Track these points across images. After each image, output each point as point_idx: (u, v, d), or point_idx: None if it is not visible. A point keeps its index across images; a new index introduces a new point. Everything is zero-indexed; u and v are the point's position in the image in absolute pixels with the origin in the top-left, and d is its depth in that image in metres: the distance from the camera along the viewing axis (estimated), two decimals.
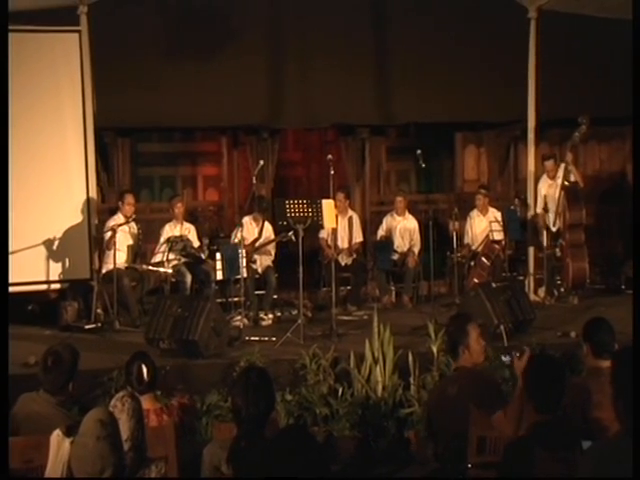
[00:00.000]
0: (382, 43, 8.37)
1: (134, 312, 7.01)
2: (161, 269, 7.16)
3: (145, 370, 3.75)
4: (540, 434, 2.99)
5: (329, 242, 7.64)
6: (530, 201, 7.89)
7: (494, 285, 6.54)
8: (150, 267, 7.21)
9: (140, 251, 7.32)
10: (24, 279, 6.88)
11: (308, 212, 6.48)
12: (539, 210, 7.78)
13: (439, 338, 5.49)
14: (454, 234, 7.75)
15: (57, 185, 7.15)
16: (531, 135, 7.80)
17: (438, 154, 9.19)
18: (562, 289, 7.66)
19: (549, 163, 7.71)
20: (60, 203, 7.16)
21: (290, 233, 7.03)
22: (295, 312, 7.11)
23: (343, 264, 7.79)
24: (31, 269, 6.99)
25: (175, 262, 7.31)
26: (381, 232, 8.19)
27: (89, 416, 2.65)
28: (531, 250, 7.82)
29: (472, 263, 7.82)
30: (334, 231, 7.42)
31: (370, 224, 8.77)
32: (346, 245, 7.90)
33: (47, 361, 3.64)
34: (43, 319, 7.13)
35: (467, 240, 8.08)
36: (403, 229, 8.06)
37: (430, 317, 6.17)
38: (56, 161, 7.14)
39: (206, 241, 7.60)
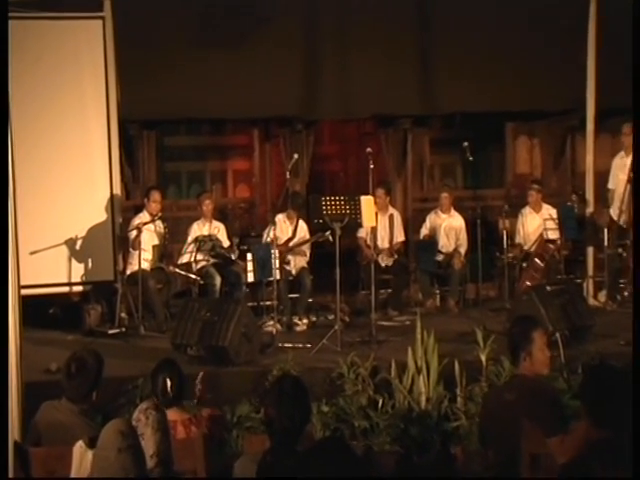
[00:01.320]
0: (426, 28, 8.28)
1: (160, 316, 7.09)
2: (191, 276, 7.22)
3: (169, 383, 3.76)
4: (600, 452, 2.93)
5: (368, 242, 7.62)
6: (589, 197, 7.74)
7: (548, 288, 6.43)
8: (177, 269, 7.28)
9: (166, 251, 7.40)
10: (45, 281, 7.01)
11: (346, 209, 6.48)
12: (610, 186, 7.54)
13: (488, 346, 5.45)
14: (504, 233, 7.65)
15: (79, 181, 7.25)
16: (590, 125, 7.62)
17: (487, 146, 9.08)
18: (626, 293, 7.47)
19: (627, 127, 7.13)
20: (82, 200, 7.27)
21: (327, 232, 7.04)
22: (332, 317, 7.13)
23: (383, 265, 7.78)
24: (52, 270, 7.12)
25: (203, 263, 7.36)
26: (424, 231, 8.15)
27: (108, 428, 2.68)
28: (590, 250, 7.67)
29: (524, 264, 7.73)
30: (374, 230, 7.40)
31: (412, 222, 8.73)
32: (386, 245, 7.88)
33: (71, 367, 3.68)
34: (65, 323, 7.26)
35: (518, 239, 7.95)
36: (448, 227, 8.00)
37: (478, 323, 6.11)
38: (78, 155, 7.24)
39: (236, 241, 7.64)
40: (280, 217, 7.53)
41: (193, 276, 7.18)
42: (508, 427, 3.47)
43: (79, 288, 7.36)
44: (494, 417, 3.67)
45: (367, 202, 6.59)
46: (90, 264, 7.31)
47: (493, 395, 4.01)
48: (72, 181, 7.20)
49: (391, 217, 7.93)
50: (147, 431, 2.86)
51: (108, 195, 7.33)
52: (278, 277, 6.91)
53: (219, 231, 7.57)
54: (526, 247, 7.87)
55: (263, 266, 6.91)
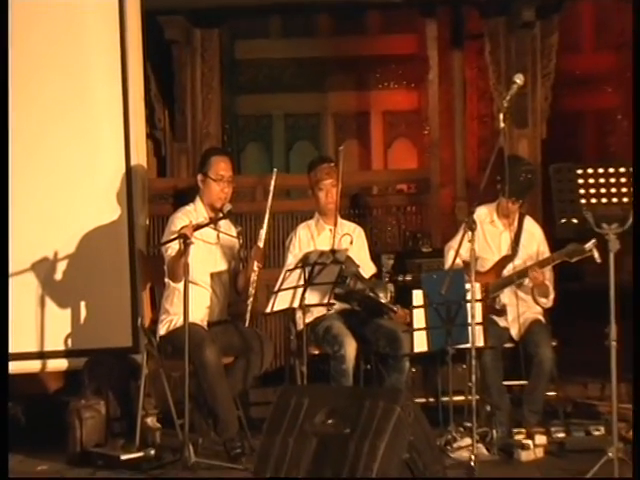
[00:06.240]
0: None
1: (230, 423, 7.20)
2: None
3: None
4: None
5: None
6: None
7: None
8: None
9: (242, 285, 7.46)
10: None
11: (629, 195, 6.37)
12: None
13: None
14: None
15: (69, 139, 7.58)
16: None
17: None
18: None
19: None
20: (71, 177, 7.57)
21: (588, 244, 7.05)
22: (599, 431, 7.11)
23: None
24: (10, 326, 7.23)
25: (320, 311, 7.47)
26: None
27: None
28: None
29: None
30: None
31: None
32: None
33: None
34: (34, 437, 7.43)
35: None
36: None
37: None
38: (69, 86, 7.60)
39: (389, 263, 7.87)
40: (483, 212, 7.58)
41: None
42: None
43: (61, 363, 7.58)
44: None
45: None
46: (83, 314, 7.52)
47: None
48: (56, 138, 7.55)
49: None
50: None
51: (120, 166, 7.60)
52: (481, 343, 6.92)
53: (352, 243, 7.66)
54: None
55: (448, 319, 6.93)
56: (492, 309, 7.42)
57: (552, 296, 7.57)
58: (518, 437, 7.21)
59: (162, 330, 7.35)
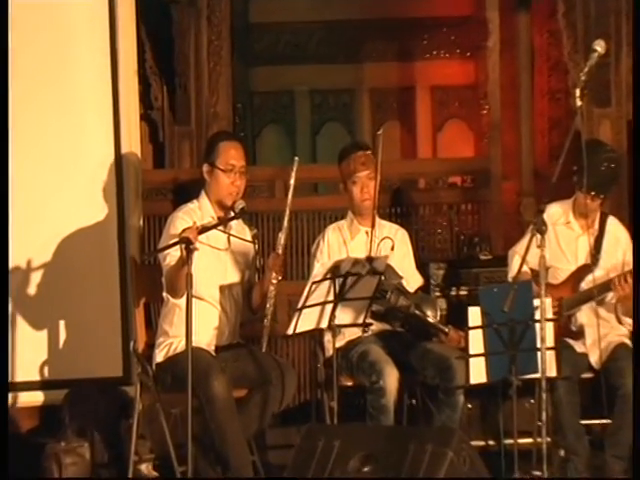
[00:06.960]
0: None
1: (242, 470, 7.05)
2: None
3: None
4: None
5: None
6: None
7: None
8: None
9: (256, 300, 7.39)
10: None
11: None
12: None
13: None
14: None
15: (45, 121, 7.60)
16: None
17: None
18: None
19: None
20: (51, 170, 7.58)
21: None
22: None
23: None
24: None
25: (355, 333, 7.39)
26: None
27: None
28: None
29: None
30: None
31: None
32: None
33: None
34: None
35: None
36: None
37: None
38: (46, 58, 7.58)
39: (438, 274, 7.86)
40: (556, 211, 7.53)
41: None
42: None
43: (36, 397, 7.56)
44: None
45: None
46: (63, 337, 7.48)
47: None
48: (22, 118, 7.49)
49: None
50: None
51: (109, 155, 7.54)
52: (553, 373, 6.74)
53: (393, 249, 7.56)
54: None
55: (512, 342, 6.73)
56: (567, 330, 7.35)
57: None
58: None
59: (159, 356, 7.23)
